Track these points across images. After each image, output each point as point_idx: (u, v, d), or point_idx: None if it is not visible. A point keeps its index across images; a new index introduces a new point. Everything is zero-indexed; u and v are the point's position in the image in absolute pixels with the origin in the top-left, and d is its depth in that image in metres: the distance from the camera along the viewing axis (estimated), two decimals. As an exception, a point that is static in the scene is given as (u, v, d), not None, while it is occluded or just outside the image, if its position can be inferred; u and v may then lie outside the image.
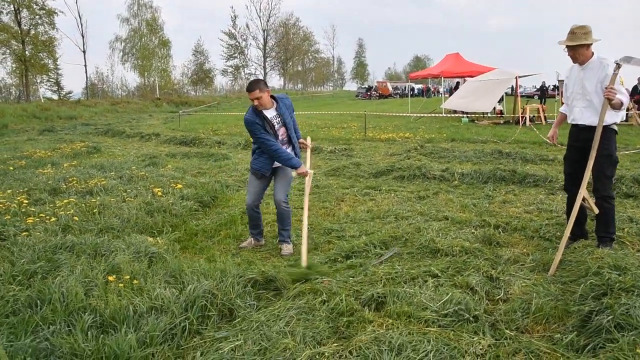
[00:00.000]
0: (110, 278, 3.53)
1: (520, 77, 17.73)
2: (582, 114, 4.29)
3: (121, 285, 3.45)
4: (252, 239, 5.04)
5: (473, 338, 2.98)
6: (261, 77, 67.87)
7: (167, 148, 13.17)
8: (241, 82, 66.16)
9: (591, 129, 4.16)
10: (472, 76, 23.44)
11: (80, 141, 14.25)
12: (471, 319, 3.20)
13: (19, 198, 6.25)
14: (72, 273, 3.74)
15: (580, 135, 4.34)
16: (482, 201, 6.54)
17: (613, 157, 4.27)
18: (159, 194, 6.47)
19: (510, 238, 4.93)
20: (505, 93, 20.99)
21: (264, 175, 4.81)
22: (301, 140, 5.00)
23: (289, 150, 4.80)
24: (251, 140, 4.80)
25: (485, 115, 18.97)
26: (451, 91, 52.35)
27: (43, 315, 3.10)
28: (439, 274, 3.90)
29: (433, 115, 22.01)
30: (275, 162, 4.74)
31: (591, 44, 4.13)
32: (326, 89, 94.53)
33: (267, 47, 67.07)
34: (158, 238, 5.10)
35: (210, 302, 3.28)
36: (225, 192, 7.31)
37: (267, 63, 66.78)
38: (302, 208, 6.29)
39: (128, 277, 3.60)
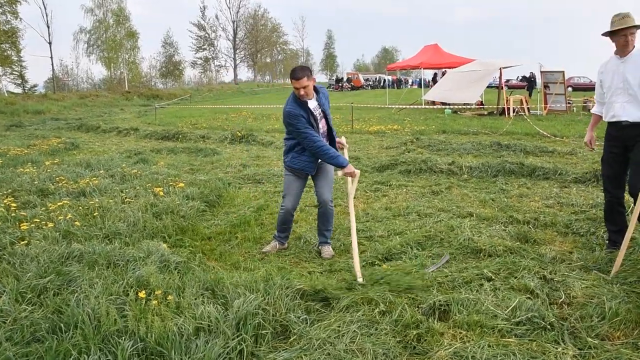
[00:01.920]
0: (141, 294, 3.13)
1: (503, 68, 17.72)
2: (624, 110, 3.92)
3: (155, 302, 3.06)
4: (276, 242, 4.68)
5: (556, 348, 2.74)
6: (232, 68, 66.85)
7: (149, 143, 12.58)
8: (210, 75, 65.01)
9: (635, 126, 3.87)
10: (451, 67, 23.47)
11: (54, 137, 13.49)
12: (548, 326, 2.96)
13: (5, 201, 5.72)
14: (91, 288, 3.33)
15: (623, 134, 3.97)
16: (499, 195, 6.35)
17: None
18: (161, 194, 6.03)
19: (544, 235, 4.74)
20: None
21: (306, 176, 4.43)
22: (337, 139, 4.62)
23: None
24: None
25: (469, 107, 18.94)
26: (421, 83, 52.66)
27: (73, 342, 2.69)
28: (493, 277, 3.66)
29: (414, 107, 21.96)
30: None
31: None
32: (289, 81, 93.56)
33: (236, 39, 65.99)
34: (170, 243, 4.72)
35: (263, 318, 2.93)
36: (228, 190, 6.90)
37: (237, 55, 65.72)
38: (311, 206, 6.00)
39: (160, 292, 3.21)
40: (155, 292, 3.21)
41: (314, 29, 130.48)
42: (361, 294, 3.32)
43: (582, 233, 4.73)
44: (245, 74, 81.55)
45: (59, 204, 5.53)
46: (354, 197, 4.35)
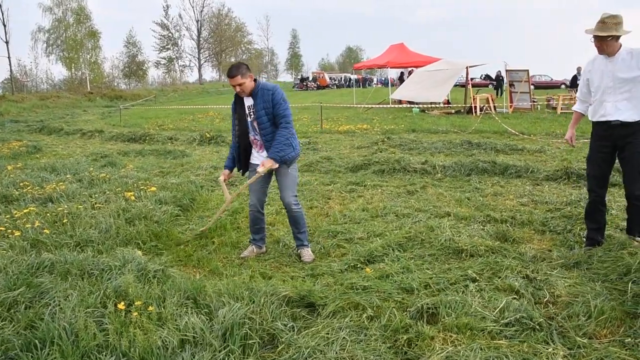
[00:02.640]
0: (120, 306, 2.99)
1: (470, 67, 18.00)
2: (616, 109, 3.89)
3: (136, 314, 2.92)
4: (253, 246, 4.57)
5: (547, 349, 2.75)
6: (197, 68, 65.86)
7: (115, 146, 12.22)
8: (175, 75, 63.90)
9: (626, 125, 3.87)
10: (417, 66, 23.72)
11: (15, 140, 12.95)
12: (537, 327, 2.97)
13: (-35, 209, 5.42)
14: (66, 300, 3.16)
15: (613, 133, 3.95)
16: (474, 194, 6.41)
17: None
18: (133, 198, 5.84)
19: (522, 233, 4.79)
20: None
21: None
22: (264, 160, 4.20)
23: (258, 149, 4.35)
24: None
25: (436, 106, 19.16)
26: (387, 82, 53.16)
27: (50, 360, 2.54)
28: (477, 277, 3.66)
29: (382, 106, 22.10)
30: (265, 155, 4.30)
31: (621, 35, 3.85)
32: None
33: (201, 39, 65.09)
34: (144, 250, 4.56)
35: (250, 328, 2.83)
36: (201, 193, 6.74)
37: (201, 55, 64.81)
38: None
39: (139, 302, 3.07)
40: (135, 303, 3.07)
41: (278, 28, 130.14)
42: (347, 298, 3.27)
43: (558, 231, 4.81)
44: (209, 73, 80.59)
45: (25, 210, 5.29)
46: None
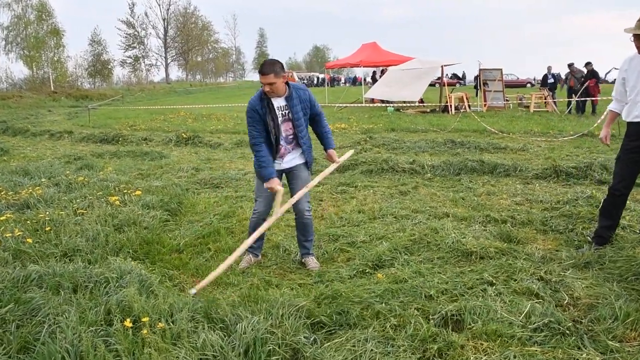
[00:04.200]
0: (127, 323, 2.75)
1: (445, 65, 18.12)
2: None
3: (145, 331, 2.69)
4: (250, 255, 4.32)
5: (581, 354, 2.67)
6: (163, 67, 64.52)
7: (86, 147, 11.74)
8: (141, 74, 62.47)
9: None
10: (390, 65, 23.79)
11: (-23, 142, 12.29)
12: (566, 331, 2.88)
13: None
14: (63, 317, 2.90)
15: None
16: (468, 194, 6.36)
17: None
18: (117, 203, 5.53)
19: (525, 234, 4.74)
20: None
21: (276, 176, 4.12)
22: (330, 151, 4.17)
23: (291, 150, 4.08)
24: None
25: (411, 105, 19.23)
26: (355, 81, 53.32)
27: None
28: (493, 281, 3.56)
29: (355, 105, 22.10)
30: (289, 161, 4.09)
31: None
32: (224, 80, 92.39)
33: (167, 37, 63.87)
34: (136, 258, 4.30)
35: (272, 343, 2.64)
36: (187, 196, 6.47)
37: (168, 54, 63.60)
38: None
39: (146, 319, 2.84)
40: (142, 319, 2.84)
41: (246, 27, 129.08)
42: (367, 307, 3.12)
43: (560, 230, 4.77)
44: (175, 73, 79.15)
45: (1, 218, 4.93)
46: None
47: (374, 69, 30.46)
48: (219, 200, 6.44)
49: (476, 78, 26.23)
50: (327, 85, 38.75)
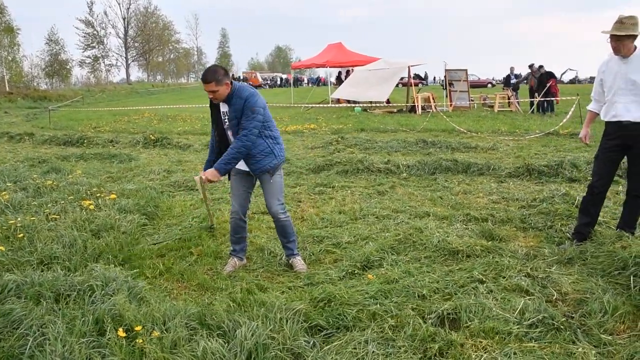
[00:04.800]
0: (120, 333, 2.65)
1: (411, 66, 18.34)
2: (628, 110, 3.96)
3: (140, 341, 2.60)
4: (235, 259, 4.23)
5: (577, 349, 2.72)
6: (124, 67, 63.01)
7: (50, 150, 11.31)
8: (100, 74, 60.79)
9: (637, 125, 3.93)
10: (356, 66, 23.93)
11: None
12: (560, 327, 2.95)
13: None
14: (48, 329, 2.77)
15: (624, 133, 4.01)
16: (445, 193, 6.44)
17: None
18: (92, 207, 5.34)
19: (506, 231, 4.82)
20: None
21: (248, 174, 4.05)
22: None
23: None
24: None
25: (377, 105, 19.39)
26: (318, 81, 53.62)
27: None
28: (483, 279, 3.61)
29: (322, 105, 22.14)
30: (242, 164, 4.02)
31: (637, 36, 3.89)
32: (186, 80, 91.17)
33: (128, 37, 62.38)
34: (117, 264, 4.16)
35: (274, 349, 2.59)
36: (162, 199, 6.31)
37: (129, 54, 62.12)
38: (259, 213, 5.55)
39: (139, 327, 2.74)
40: (135, 328, 2.74)
41: (208, 27, 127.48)
42: (363, 308, 3.10)
43: (540, 227, 4.88)
44: (135, 73, 77.43)
45: (-32, 226, 4.68)
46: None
47: (340, 69, 30.58)
48: (195, 203, 6.31)
49: (424, 77, 26.70)
50: (288, 85, 38.58)
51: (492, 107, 18.55)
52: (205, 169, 4.27)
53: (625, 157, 4.20)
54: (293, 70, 35.22)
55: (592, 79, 75.94)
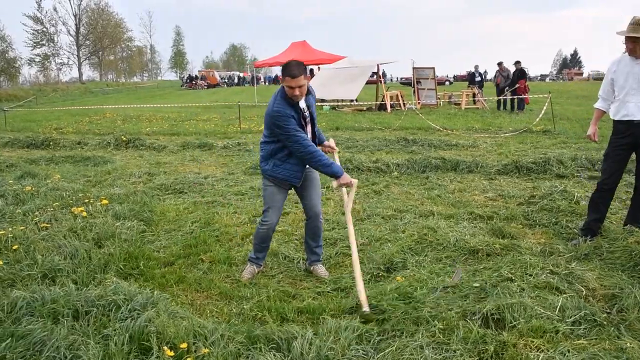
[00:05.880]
0: (168, 352, 2.48)
1: (381, 64, 18.44)
2: (639, 109, 4.08)
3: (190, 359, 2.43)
4: (254, 265, 4.07)
5: (627, 345, 2.74)
6: (76, 66, 60.75)
7: (13, 153, 10.67)
8: (50, 74, 58.31)
9: None
10: (321, 64, 23.91)
11: None
12: (603, 323, 2.97)
13: None
14: (85, 351, 2.57)
15: (635, 131, 4.12)
16: (441, 191, 6.47)
17: None
18: (84, 214, 5.05)
19: (514, 229, 4.87)
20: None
21: (290, 186, 3.92)
22: (326, 142, 4.18)
23: None
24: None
25: (346, 103, 19.41)
26: (275, 80, 53.24)
27: None
28: (512, 277, 3.60)
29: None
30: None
31: None
32: (141, 79, 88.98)
33: (79, 35, 60.07)
34: (124, 275, 3.95)
35: (334, 359, 2.49)
36: (154, 204, 6.05)
37: (81, 52, 59.84)
38: (258, 217, 5.39)
39: (184, 345, 2.57)
40: (180, 346, 2.57)
41: (161, 25, 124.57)
42: (407, 312, 3.04)
43: (545, 224, 4.95)
44: (87, 72, 74.69)
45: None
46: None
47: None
48: (189, 206, 6.09)
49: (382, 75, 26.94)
50: (254, 84, 38.22)
51: (458, 104, 18.90)
52: (342, 170, 3.81)
53: (634, 154, 4.30)
54: (255, 68, 34.72)
55: (542, 77, 79.12)
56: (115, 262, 4.11)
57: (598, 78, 68.04)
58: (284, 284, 3.87)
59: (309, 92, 3.76)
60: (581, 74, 74.80)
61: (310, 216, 4.00)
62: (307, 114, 3.77)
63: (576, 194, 5.51)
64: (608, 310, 3.17)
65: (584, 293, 3.41)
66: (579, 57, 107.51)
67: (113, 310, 3.05)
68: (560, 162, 7.22)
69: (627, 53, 4.12)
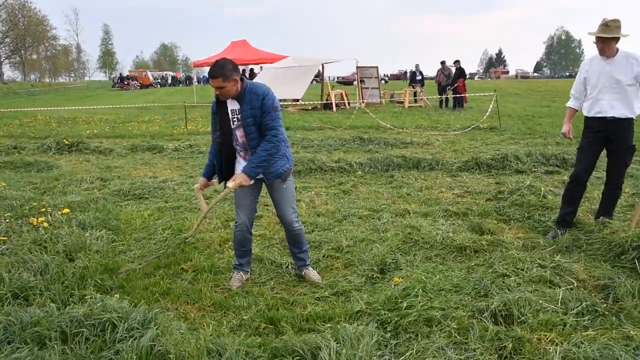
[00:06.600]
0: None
1: (326, 63, 18.47)
2: (612, 107, 4.26)
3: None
4: (240, 273, 3.91)
5: (630, 332, 2.86)
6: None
7: (-62, 160, 9.76)
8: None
9: (619, 121, 4.27)
10: (263, 63, 23.67)
11: None
12: (605, 313, 3.10)
13: None
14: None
15: (607, 127, 4.31)
16: (409, 190, 6.53)
17: (635, 147, 4.44)
18: (46, 225, 4.67)
19: (490, 225, 4.97)
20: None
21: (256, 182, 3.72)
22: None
23: (243, 159, 3.73)
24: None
25: (290, 103, 19.30)
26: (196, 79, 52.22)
27: None
28: (507, 273, 3.68)
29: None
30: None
31: (620, 38, 4.18)
32: (67, 80, 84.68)
33: (-1, 32, 56.18)
34: (104, 290, 3.68)
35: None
36: (118, 211, 5.70)
37: (1, 50, 55.88)
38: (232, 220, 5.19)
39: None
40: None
41: (89, 23, 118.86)
42: (419, 314, 3.01)
43: (519, 219, 5.11)
44: (7, 72, 69.83)
45: None
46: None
47: (243, 67, 30.04)
48: (153, 212, 5.79)
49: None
50: (189, 84, 37.25)
51: (402, 103, 19.30)
52: (205, 175, 3.99)
53: (605, 151, 4.51)
54: (195, 67, 33.84)
55: (471, 75, 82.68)
56: (92, 276, 3.81)
57: (525, 76, 72.20)
58: (278, 290, 3.73)
59: (252, 93, 3.53)
60: (507, 72, 78.87)
61: (283, 225, 3.91)
62: (234, 117, 3.62)
63: (543, 189, 5.73)
64: (604, 300, 3.30)
65: (575, 285, 3.53)
66: (504, 56, 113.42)
67: (108, 330, 2.81)
68: (517, 158, 7.50)
69: (599, 54, 4.32)
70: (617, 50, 4.26)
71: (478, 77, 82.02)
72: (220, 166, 3.84)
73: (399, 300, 3.23)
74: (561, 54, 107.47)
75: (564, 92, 28.52)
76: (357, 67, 19.42)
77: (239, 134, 3.66)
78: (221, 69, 3.43)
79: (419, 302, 3.19)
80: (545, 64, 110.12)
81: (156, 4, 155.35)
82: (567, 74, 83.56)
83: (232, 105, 3.61)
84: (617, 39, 4.20)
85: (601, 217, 4.53)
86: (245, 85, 3.55)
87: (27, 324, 2.93)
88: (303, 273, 3.93)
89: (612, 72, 4.24)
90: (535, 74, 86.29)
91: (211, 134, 3.86)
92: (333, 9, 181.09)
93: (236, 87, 3.51)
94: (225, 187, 3.76)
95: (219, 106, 3.67)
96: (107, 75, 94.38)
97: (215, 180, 4.03)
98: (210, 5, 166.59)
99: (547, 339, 2.81)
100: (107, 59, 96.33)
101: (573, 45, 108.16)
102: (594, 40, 4.25)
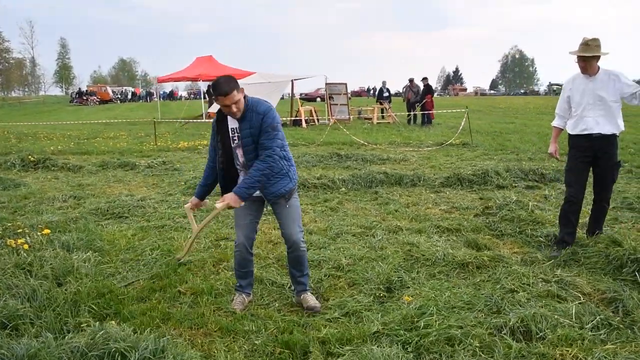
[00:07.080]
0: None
1: (295, 79, 18.48)
2: (597, 123, 4.32)
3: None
4: (242, 295, 3.75)
5: (647, 345, 2.89)
6: None
7: None
8: None
9: (605, 138, 4.35)
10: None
11: None
12: (619, 326, 3.12)
13: None
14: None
15: (594, 144, 4.37)
16: (396, 206, 6.51)
17: (620, 163, 4.54)
18: (26, 247, 4.39)
19: (487, 240, 4.99)
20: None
21: (255, 201, 3.61)
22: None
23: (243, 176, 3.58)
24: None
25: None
26: (172, 95, 51.26)
27: None
28: (514, 288, 3.69)
29: (198, 120, 21.44)
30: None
31: (600, 56, 4.30)
32: (19, 94, 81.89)
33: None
34: (99, 317, 3.47)
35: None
36: (99, 231, 5.43)
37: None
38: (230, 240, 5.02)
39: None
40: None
41: (45, 37, 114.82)
42: (439, 333, 2.96)
43: (512, 234, 5.15)
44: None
45: None
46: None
47: (209, 83, 29.76)
48: (137, 232, 5.55)
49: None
50: (149, 99, 36.56)
51: (370, 119, 19.48)
52: (197, 195, 3.87)
53: (592, 169, 4.58)
54: (159, 82, 33.17)
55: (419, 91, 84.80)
56: (85, 302, 3.59)
57: (483, 94, 74.57)
58: (286, 312, 3.60)
59: (253, 112, 3.40)
60: (465, 89, 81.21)
61: (289, 246, 3.71)
62: (234, 135, 3.51)
63: (530, 204, 5.82)
64: (614, 314, 3.33)
65: (582, 299, 3.56)
66: (461, 74, 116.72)
67: (111, 360, 2.63)
68: (497, 174, 7.63)
69: (581, 72, 4.43)
70: (599, 68, 4.38)
71: (437, 94, 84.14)
72: (224, 186, 3.68)
73: (416, 320, 3.18)
74: (515, 72, 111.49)
75: (524, 110, 29.59)
76: (326, 84, 19.53)
77: (239, 153, 3.55)
78: (229, 83, 3.29)
79: (436, 321, 3.14)
80: (500, 81, 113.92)
81: (115, 19, 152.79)
82: (521, 91, 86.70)
83: (233, 124, 3.49)
84: (597, 57, 4.32)
85: (597, 232, 4.60)
86: (247, 103, 3.43)
87: (22, 357, 2.72)
88: (301, 297, 3.73)
89: (595, 89, 4.34)
90: (492, 92, 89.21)
91: (209, 151, 3.76)
92: (294, 25, 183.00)
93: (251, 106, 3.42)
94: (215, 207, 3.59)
95: (221, 124, 3.55)
96: (64, 90, 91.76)
97: (207, 200, 3.96)
98: (170, 19, 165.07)
99: (570, 354, 2.80)
100: (64, 73, 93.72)
101: (526, 63, 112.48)
102: (576, 60, 4.36)
